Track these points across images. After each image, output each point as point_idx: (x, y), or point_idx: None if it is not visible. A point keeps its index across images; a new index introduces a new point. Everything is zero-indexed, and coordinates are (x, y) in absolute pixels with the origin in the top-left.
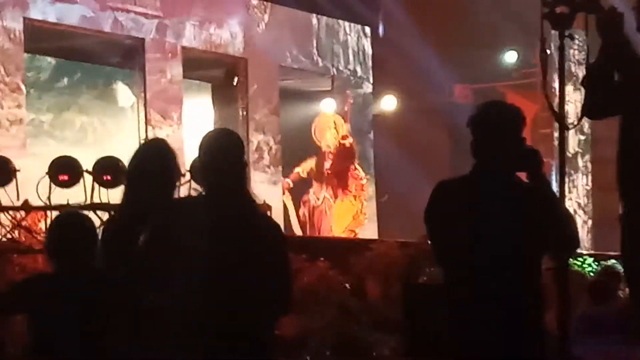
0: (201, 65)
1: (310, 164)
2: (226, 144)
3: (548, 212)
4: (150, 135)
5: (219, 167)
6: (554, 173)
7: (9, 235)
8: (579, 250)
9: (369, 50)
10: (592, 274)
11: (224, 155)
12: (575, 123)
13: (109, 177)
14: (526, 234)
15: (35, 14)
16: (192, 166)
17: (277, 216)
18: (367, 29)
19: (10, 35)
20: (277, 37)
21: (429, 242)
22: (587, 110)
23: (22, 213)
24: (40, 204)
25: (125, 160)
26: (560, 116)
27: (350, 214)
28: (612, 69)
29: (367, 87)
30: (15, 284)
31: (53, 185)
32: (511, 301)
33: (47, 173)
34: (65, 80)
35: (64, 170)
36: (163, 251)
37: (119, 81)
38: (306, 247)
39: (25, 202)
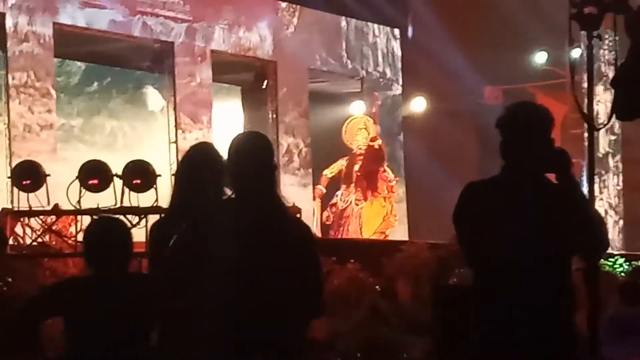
0: (230, 69)
1: (339, 165)
2: (255, 147)
3: (577, 213)
4: (180, 139)
5: (248, 170)
6: (584, 174)
7: (39, 240)
8: (609, 251)
9: (398, 52)
10: (623, 274)
11: (253, 158)
12: (605, 123)
13: (138, 181)
14: (556, 234)
15: (64, 19)
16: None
17: (307, 219)
18: (396, 31)
19: (40, 40)
20: (306, 40)
21: (458, 243)
22: (617, 111)
23: (53, 217)
24: (70, 208)
25: (156, 164)
26: (589, 117)
27: (380, 216)
28: None
29: (397, 89)
30: (47, 288)
31: (83, 190)
32: (541, 302)
33: (77, 177)
34: (95, 84)
35: (94, 175)
36: (190, 255)
37: (149, 85)
38: (336, 250)
39: (56, 206)
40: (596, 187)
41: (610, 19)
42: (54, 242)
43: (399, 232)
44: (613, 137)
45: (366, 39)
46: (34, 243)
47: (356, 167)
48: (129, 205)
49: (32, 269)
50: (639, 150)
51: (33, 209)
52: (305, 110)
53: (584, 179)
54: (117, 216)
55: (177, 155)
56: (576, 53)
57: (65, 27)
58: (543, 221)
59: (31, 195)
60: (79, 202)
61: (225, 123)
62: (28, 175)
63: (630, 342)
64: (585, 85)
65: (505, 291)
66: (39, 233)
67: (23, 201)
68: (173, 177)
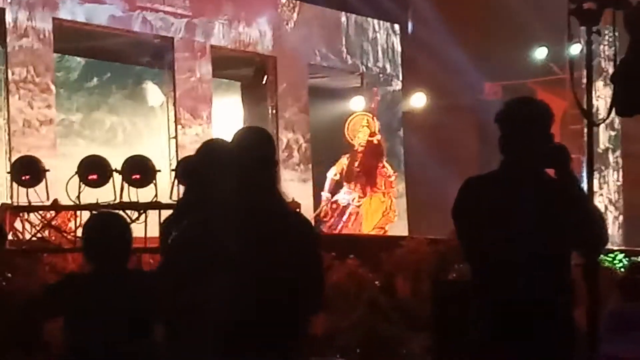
0: (230, 64)
1: (341, 164)
2: (256, 142)
3: (576, 209)
4: (180, 135)
5: (249, 165)
6: (584, 169)
7: (39, 235)
8: (609, 246)
9: (398, 47)
10: (622, 270)
11: (254, 153)
12: (605, 118)
13: (138, 177)
14: (555, 230)
15: (64, 14)
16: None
17: (308, 213)
18: (397, 27)
19: (39, 35)
20: (306, 35)
21: (457, 238)
22: (617, 107)
23: (52, 212)
24: (69, 203)
25: (155, 159)
26: (587, 112)
27: (380, 211)
28: None
29: (397, 85)
30: (48, 288)
31: (82, 185)
32: (540, 298)
33: (76, 172)
34: (95, 80)
35: (93, 170)
36: (190, 251)
37: (149, 81)
38: (335, 245)
39: (55, 201)
40: (596, 182)
41: (609, 14)
42: (53, 238)
43: (399, 228)
44: (613, 133)
45: (366, 35)
46: (34, 238)
47: (357, 164)
48: (128, 200)
49: (31, 265)
50: (638, 146)
51: (32, 204)
52: (305, 106)
53: (584, 174)
54: (116, 211)
55: (176, 151)
56: (576, 49)
57: (64, 23)
58: (542, 217)
59: (30, 190)
60: (78, 197)
61: (225, 118)
62: (27, 171)
63: (630, 337)
64: (585, 81)
65: (504, 287)
66: (38, 228)
67: (22, 196)
68: (173, 173)
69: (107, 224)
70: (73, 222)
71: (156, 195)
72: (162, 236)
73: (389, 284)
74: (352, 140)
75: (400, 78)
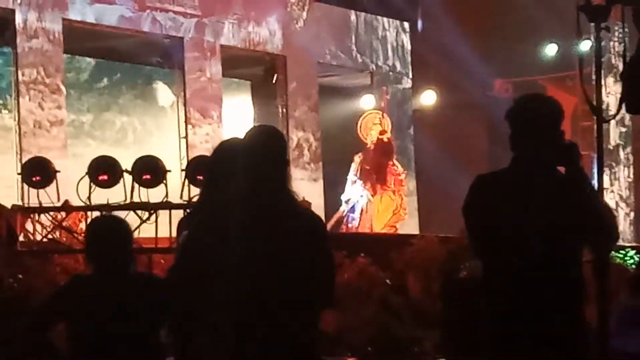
0: (240, 64)
1: (356, 164)
2: (268, 141)
3: (587, 206)
4: (190, 135)
5: (260, 164)
6: (595, 166)
7: (49, 236)
8: (620, 243)
9: (408, 45)
10: (633, 266)
11: (266, 152)
12: (615, 115)
13: (148, 177)
14: (565, 227)
15: (74, 14)
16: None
17: (318, 212)
18: (406, 25)
19: (49, 36)
20: (315, 34)
21: (468, 235)
22: (626, 104)
23: (63, 214)
24: (80, 204)
25: (165, 159)
26: (597, 109)
27: (390, 210)
28: None
29: (407, 83)
30: (52, 295)
31: (93, 186)
32: (551, 294)
33: (86, 173)
34: (105, 80)
35: (104, 170)
36: (200, 251)
37: (159, 81)
38: (346, 244)
39: (66, 202)
40: (607, 179)
41: (618, 10)
42: (64, 239)
43: (410, 226)
44: (623, 129)
45: (376, 33)
46: (44, 240)
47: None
48: (138, 200)
49: (42, 265)
50: None
51: (43, 205)
52: (315, 105)
53: (595, 171)
54: (118, 214)
55: (187, 151)
56: (585, 45)
57: (74, 23)
58: (552, 214)
59: (41, 191)
60: (89, 198)
61: (235, 118)
62: (38, 172)
63: None
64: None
65: (515, 284)
66: (49, 229)
67: (33, 198)
68: (183, 173)
69: (109, 227)
70: (84, 222)
71: (167, 196)
72: (177, 237)
73: (400, 282)
74: (364, 138)
75: (410, 76)
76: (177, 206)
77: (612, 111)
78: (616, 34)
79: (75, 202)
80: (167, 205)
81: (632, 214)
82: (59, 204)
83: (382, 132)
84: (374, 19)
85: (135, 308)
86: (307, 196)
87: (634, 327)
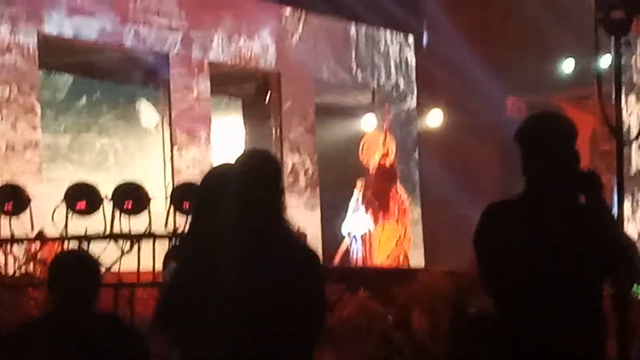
0: (230, 81)
1: (359, 189)
2: (260, 166)
3: (606, 236)
4: (176, 158)
5: (253, 192)
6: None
7: (23, 269)
8: None
9: (412, 61)
10: None
11: (259, 179)
12: (636, 137)
13: (130, 204)
14: (583, 259)
15: (50, 28)
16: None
17: (315, 242)
18: (410, 38)
19: (23, 51)
20: (312, 49)
21: (478, 269)
22: None
23: (37, 245)
24: (56, 234)
25: (149, 185)
26: (617, 130)
27: (393, 240)
28: None
29: (411, 102)
30: (6, 336)
31: (70, 214)
32: (569, 332)
33: (63, 200)
34: (84, 99)
35: (82, 197)
36: (190, 285)
37: (142, 100)
38: (346, 277)
39: (40, 232)
40: (628, 207)
41: None
42: (38, 272)
43: (415, 258)
44: None
45: (377, 47)
46: (17, 273)
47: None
48: (119, 230)
49: (15, 299)
50: None
51: (16, 236)
52: (311, 126)
53: (615, 199)
54: (84, 249)
55: (172, 176)
56: (605, 61)
57: (51, 37)
58: (570, 245)
59: (14, 220)
60: (65, 227)
61: (225, 140)
62: (10, 199)
63: None
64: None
65: (530, 320)
66: (22, 262)
67: (5, 227)
68: (168, 200)
69: (73, 263)
70: None
71: (150, 225)
72: (163, 270)
73: (404, 318)
74: (367, 163)
75: (415, 94)
76: (162, 236)
77: (634, 133)
78: (638, 48)
79: (51, 232)
80: (151, 236)
81: None
82: (32, 235)
83: (385, 155)
84: (375, 32)
85: (95, 352)
86: (304, 225)
87: None
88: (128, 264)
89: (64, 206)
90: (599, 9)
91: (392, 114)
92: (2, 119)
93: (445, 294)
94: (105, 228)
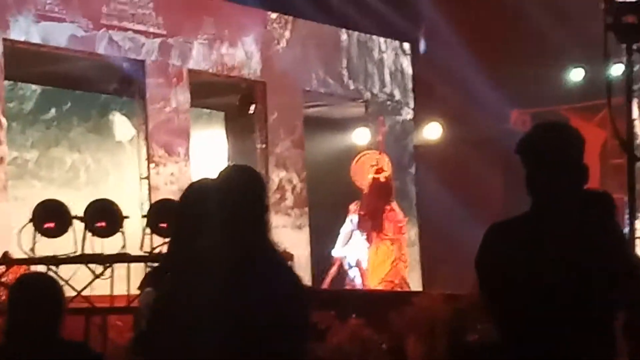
0: (212, 91)
1: (353, 212)
2: (243, 183)
3: (618, 259)
4: (153, 174)
5: (235, 212)
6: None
7: None
8: None
9: (408, 70)
10: None
11: (242, 197)
12: None
13: (103, 224)
14: (593, 283)
15: (17, 34)
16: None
17: (303, 265)
18: (406, 46)
19: None
20: (300, 57)
21: (480, 293)
22: None
23: (2, 267)
24: (22, 256)
25: (123, 203)
26: (627, 144)
27: (388, 262)
28: None
29: (407, 113)
30: None
31: (38, 235)
32: (579, 356)
33: (30, 220)
34: (53, 111)
35: (51, 217)
36: (172, 311)
37: (116, 111)
38: (336, 303)
39: (5, 254)
40: None
41: None
42: (3, 297)
43: (411, 281)
44: None
45: (371, 55)
46: None
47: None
48: (91, 252)
49: None
50: None
51: None
52: (299, 139)
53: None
54: (46, 273)
55: (149, 194)
56: (617, 69)
57: (17, 44)
58: (578, 267)
59: None
60: (32, 249)
61: (205, 155)
62: None
63: None
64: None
65: (536, 349)
66: None
67: None
68: (144, 219)
69: (34, 288)
70: None
71: (124, 246)
72: (140, 294)
73: (399, 347)
74: (360, 184)
75: (412, 106)
76: (137, 259)
77: None
78: None
79: (17, 254)
80: (125, 258)
81: None
82: None
83: (379, 171)
84: (368, 39)
85: None
86: (291, 246)
87: None
88: (101, 288)
89: (31, 226)
90: (608, 14)
91: (386, 127)
92: None
93: (443, 319)
94: (75, 250)
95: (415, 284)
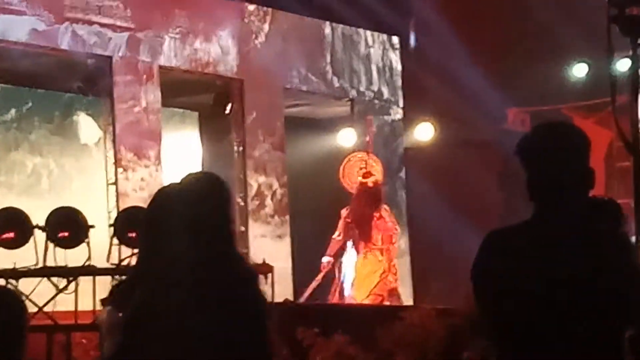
0: (184, 90)
1: (343, 220)
2: (206, 194)
3: (626, 270)
4: (121, 180)
5: (197, 224)
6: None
7: None
8: None
9: (397, 66)
10: None
11: (203, 208)
12: None
13: (66, 234)
14: (599, 294)
15: None
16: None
17: (284, 277)
18: (395, 40)
19: None
20: (280, 52)
21: (477, 307)
22: None
23: None
24: None
25: (89, 212)
26: (633, 146)
27: (376, 274)
28: None
29: (397, 113)
30: None
31: None
32: None
33: None
34: (13, 111)
35: (10, 226)
36: (140, 328)
37: (81, 112)
38: (320, 318)
39: None
40: None
41: None
42: None
43: (401, 295)
44: None
45: (356, 50)
46: None
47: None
48: (54, 264)
49: None
50: None
51: None
52: (280, 142)
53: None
54: (26, 282)
55: (116, 201)
56: (623, 65)
57: None
58: (583, 280)
59: None
60: None
61: (178, 159)
62: None
63: None
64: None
65: None
66: None
67: None
68: (111, 229)
69: None
70: None
71: (89, 258)
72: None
73: None
74: (350, 187)
75: (401, 105)
76: (103, 271)
77: None
78: None
79: None
80: (91, 271)
81: None
82: None
83: (366, 175)
84: (354, 32)
85: None
86: (271, 257)
87: None
88: (64, 304)
89: None
90: (612, 5)
91: (374, 127)
92: None
93: (436, 336)
94: (37, 262)
95: (405, 297)
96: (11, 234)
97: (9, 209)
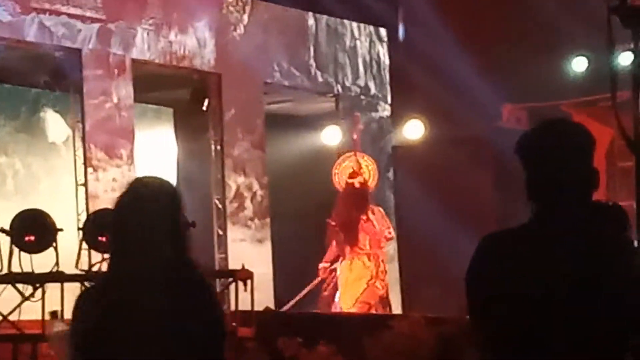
0: (159, 85)
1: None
2: (153, 198)
3: (629, 276)
4: (91, 180)
5: (144, 229)
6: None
7: None
8: None
9: (385, 59)
10: None
11: (147, 213)
12: None
13: (32, 238)
14: (601, 302)
15: None
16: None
17: (265, 284)
18: (383, 32)
19: None
20: (260, 44)
21: (470, 315)
22: None
23: None
24: None
25: (57, 214)
26: (635, 144)
27: (363, 280)
28: None
29: (384, 110)
30: None
31: None
32: None
33: None
34: None
35: None
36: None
37: (48, 108)
38: (302, 328)
39: None
40: None
41: None
42: None
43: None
44: None
45: (342, 42)
46: None
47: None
48: (19, 270)
49: None
50: None
51: None
52: (260, 140)
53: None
54: None
55: (86, 203)
56: (625, 59)
57: None
58: (585, 287)
59: None
60: None
61: (152, 157)
62: None
63: None
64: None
65: None
66: None
67: None
68: (81, 232)
69: None
70: None
71: (57, 264)
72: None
73: None
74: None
75: (389, 101)
76: (72, 278)
77: None
78: None
79: None
80: (58, 277)
81: None
82: None
83: (353, 175)
84: (339, 23)
85: None
86: (250, 263)
87: None
88: (30, 312)
89: None
90: None
91: (362, 124)
92: None
93: (426, 346)
94: (1, 268)
95: (393, 305)
96: None
97: None
